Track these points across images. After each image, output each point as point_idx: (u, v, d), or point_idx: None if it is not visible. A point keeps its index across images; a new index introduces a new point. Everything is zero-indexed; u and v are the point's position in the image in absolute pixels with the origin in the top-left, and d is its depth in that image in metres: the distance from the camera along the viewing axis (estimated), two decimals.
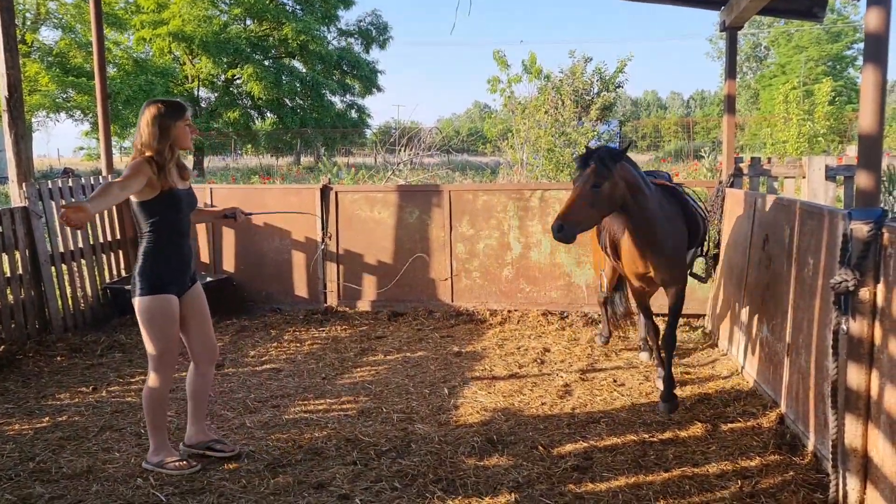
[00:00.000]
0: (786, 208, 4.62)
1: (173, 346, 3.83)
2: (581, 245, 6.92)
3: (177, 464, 3.87)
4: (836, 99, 28.49)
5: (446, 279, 7.25)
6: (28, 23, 24.96)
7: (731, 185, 6.53)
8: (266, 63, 30.80)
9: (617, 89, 15.71)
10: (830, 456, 3.35)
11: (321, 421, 4.57)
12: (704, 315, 6.66)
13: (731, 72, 6.81)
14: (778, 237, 4.72)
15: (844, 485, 3.30)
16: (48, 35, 26.39)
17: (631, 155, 4.98)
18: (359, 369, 5.67)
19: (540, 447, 4.08)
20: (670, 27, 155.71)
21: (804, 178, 6.47)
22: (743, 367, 5.26)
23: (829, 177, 6.51)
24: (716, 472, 3.75)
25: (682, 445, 4.08)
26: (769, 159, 6.82)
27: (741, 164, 6.66)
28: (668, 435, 4.21)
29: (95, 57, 7.58)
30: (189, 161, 33.62)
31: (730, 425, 4.35)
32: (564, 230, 4.10)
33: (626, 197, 4.33)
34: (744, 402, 4.69)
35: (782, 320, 4.46)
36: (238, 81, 30.72)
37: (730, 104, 6.84)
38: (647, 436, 4.21)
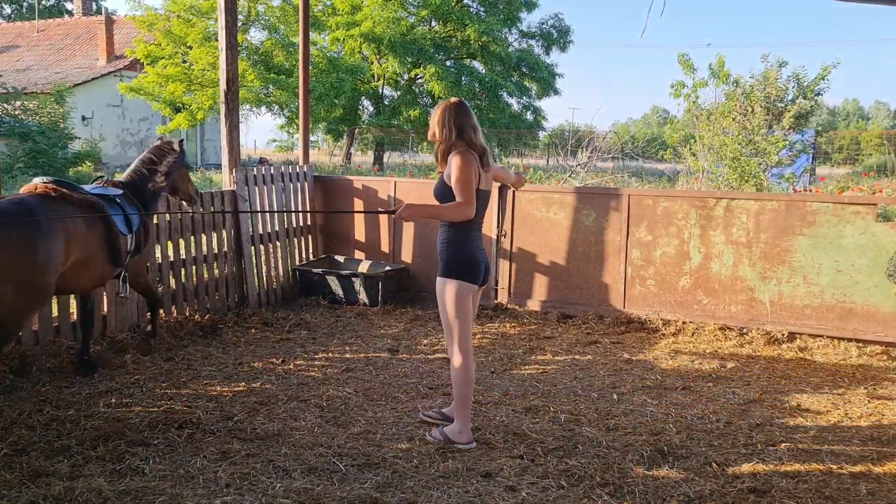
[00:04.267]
0: None
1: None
2: (767, 259, 6.55)
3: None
4: None
5: (619, 285, 7.12)
6: (239, 24, 27.34)
7: None
8: (447, 63, 31.63)
9: (816, 97, 14.53)
10: None
11: (489, 413, 4.67)
12: None
13: None
14: None
15: None
16: (255, 35, 28.58)
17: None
18: (527, 367, 5.73)
19: (714, 464, 3.93)
20: (878, 30, 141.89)
21: None
22: None
23: None
24: None
25: (876, 482, 3.76)
26: None
27: None
28: (859, 468, 3.90)
29: (301, 56, 8.22)
30: (369, 156, 35.30)
31: None
32: None
33: None
34: None
35: None
36: (420, 81, 31.79)
37: None
38: (834, 466, 3.93)
